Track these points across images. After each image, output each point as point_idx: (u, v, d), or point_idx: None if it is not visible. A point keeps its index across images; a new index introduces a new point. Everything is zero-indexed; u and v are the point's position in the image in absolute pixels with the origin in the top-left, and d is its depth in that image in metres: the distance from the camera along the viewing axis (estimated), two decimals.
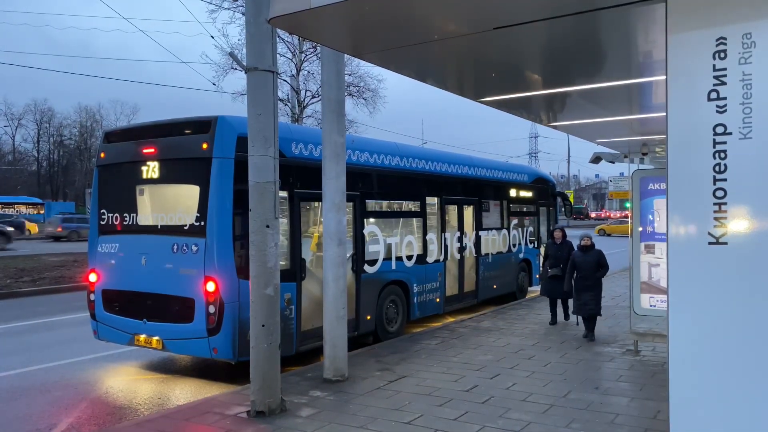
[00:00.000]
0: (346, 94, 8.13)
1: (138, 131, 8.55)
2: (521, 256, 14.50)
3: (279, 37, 21.16)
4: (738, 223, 2.93)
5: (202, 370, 8.61)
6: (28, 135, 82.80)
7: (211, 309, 7.23)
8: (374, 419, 5.96)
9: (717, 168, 2.96)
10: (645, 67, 5.06)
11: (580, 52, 4.80)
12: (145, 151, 8.01)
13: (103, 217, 8.51)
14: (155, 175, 7.94)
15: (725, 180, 2.94)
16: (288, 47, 27.44)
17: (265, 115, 6.18)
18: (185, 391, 7.59)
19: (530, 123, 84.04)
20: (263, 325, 6.17)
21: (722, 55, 2.93)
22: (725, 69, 2.93)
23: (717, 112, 2.95)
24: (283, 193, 7.94)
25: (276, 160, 6.26)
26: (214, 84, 29.52)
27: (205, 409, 6.35)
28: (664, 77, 3.10)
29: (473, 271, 12.56)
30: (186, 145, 7.69)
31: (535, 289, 15.83)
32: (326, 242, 7.54)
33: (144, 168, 8.01)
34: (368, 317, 9.47)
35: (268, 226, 6.17)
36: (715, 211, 2.97)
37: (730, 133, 2.93)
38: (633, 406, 6.32)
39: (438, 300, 11.21)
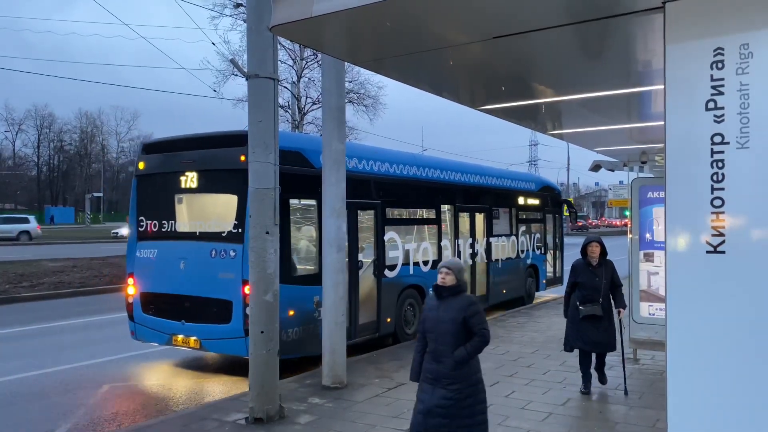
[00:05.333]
0: (346, 101, 8.20)
1: (176, 143, 8.92)
2: (529, 261, 14.76)
3: (280, 44, 21.25)
4: (736, 232, 2.94)
5: (204, 372, 8.60)
6: (28, 140, 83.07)
7: (248, 310, 7.37)
8: (373, 426, 5.95)
9: (715, 177, 2.97)
10: (644, 76, 5.08)
11: (579, 61, 4.82)
12: (184, 162, 8.44)
13: (141, 224, 8.93)
14: (194, 185, 8.38)
15: (723, 189, 2.95)
16: (289, 54, 27.54)
17: (265, 121, 6.21)
18: (186, 396, 7.57)
19: (530, 131, 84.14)
20: (262, 332, 6.18)
21: (720, 65, 2.95)
22: (723, 79, 2.94)
23: (715, 121, 2.97)
24: (312, 202, 8.52)
25: (276, 167, 6.29)
26: (214, 90, 29.46)
27: (204, 415, 6.35)
28: (662, 86, 3.12)
29: (484, 276, 12.82)
30: (224, 157, 8.05)
31: (542, 294, 15.90)
32: (326, 248, 7.57)
33: (183, 178, 8.45)
34: (388, 320, 9.87)
35: (267, 233, 6.19)
36: (713, 220, 2.98)
37: (728, 143, 2.94)
38: (632, 415, 6.32)
39: None
